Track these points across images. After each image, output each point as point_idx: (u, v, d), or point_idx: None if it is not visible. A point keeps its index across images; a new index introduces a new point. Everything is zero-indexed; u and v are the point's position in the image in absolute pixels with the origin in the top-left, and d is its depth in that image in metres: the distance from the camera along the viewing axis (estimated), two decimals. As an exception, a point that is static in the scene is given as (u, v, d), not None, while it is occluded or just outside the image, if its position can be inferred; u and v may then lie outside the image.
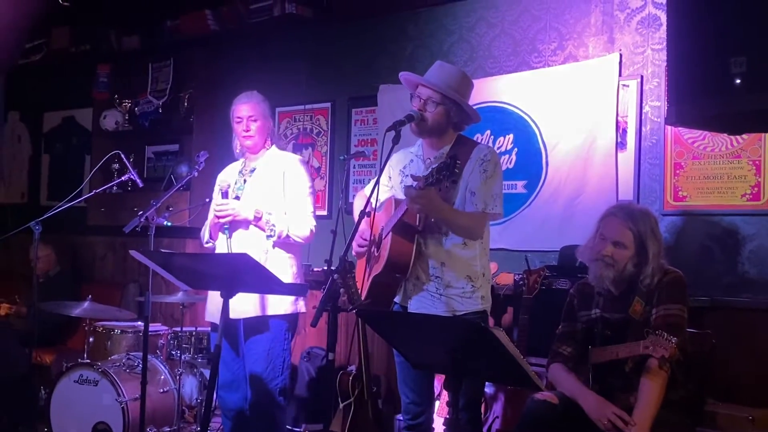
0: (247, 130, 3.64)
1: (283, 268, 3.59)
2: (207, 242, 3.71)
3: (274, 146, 3.78)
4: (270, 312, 3.52)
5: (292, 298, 3.55)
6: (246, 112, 3.65)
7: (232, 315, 3.41)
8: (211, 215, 3.75)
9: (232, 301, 3.36)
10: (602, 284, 3.08)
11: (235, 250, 3.51)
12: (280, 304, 3.54)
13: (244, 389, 3.63)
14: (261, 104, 3.70)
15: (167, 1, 5.85)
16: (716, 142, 3.84)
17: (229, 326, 3.44)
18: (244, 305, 3.46)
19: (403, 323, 2.76)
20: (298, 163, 3.73)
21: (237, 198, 3.60)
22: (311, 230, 3.62)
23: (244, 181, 3.67)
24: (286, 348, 3.62)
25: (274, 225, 3.53)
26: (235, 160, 3.84)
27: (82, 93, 6.57)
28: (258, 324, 3.53)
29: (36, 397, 4.77)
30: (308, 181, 3.70)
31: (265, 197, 3.60)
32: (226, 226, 3.55)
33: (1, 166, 6.09)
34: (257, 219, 3.53)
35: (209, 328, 4.05)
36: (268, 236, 3.54)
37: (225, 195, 3.57)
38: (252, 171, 3.69)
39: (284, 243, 3.60)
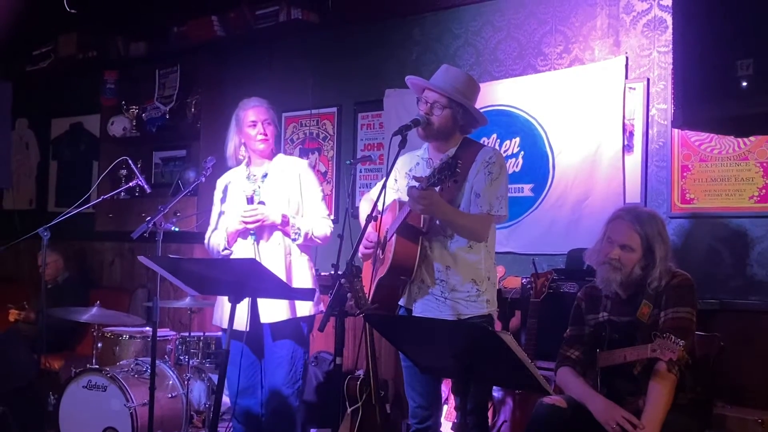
0: (264, 134, 3.65)
1: (304, 270, 3.64)
2: (224, 250, 3.63)
3: (280, 153, 3.82)
4: (298, 314, 3.55)
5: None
6: (261, 115, 3.66)
7: (263, 320, 3.45)
8: (214, 223, 3.74)
9: (262, 305, 3.39)
10: (610, 287, 3.07)
11: (263, 255, 3.52)
12: (305, 306, 3.57)
13: (260, 394, 3.64)
14: (271, 109, 3.73)
15: (174, 7, 5.87)
16: (723, 144, 3.83)
17: (253, 331, 3.46)
18: (274, 309, 3.49)
19: (410, 328, 2.76)
20: (309, 168, 3.80)
21: (261, 203, 3.60)
22: (330, 230, 3.67)
23: (258, 186, 3.66)
24: (307, 350, 3.65)
25: (299, 228, 3.56)
26: (229, 167, 3.82)
27: (90, 99, 6.60)
28: (284, 327, 3.55)
29: (45, 402, 4.78)
30: (320, 184, 3.78)
31: (285, 201, 3.62)
32: (252, 232, 3.56)
33: (9, 173, 6.13)
34: (284, 223, 3.54)
35: (219, 333, 4.05)
36: (294, 239, 3.57)
37: (251, 201, 3.56)
38: (264, 176, 3.69)
39: (305, 245, 3.64)
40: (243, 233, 3.58)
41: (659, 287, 2.99)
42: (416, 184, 2.83)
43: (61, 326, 5.31)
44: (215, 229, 3.73)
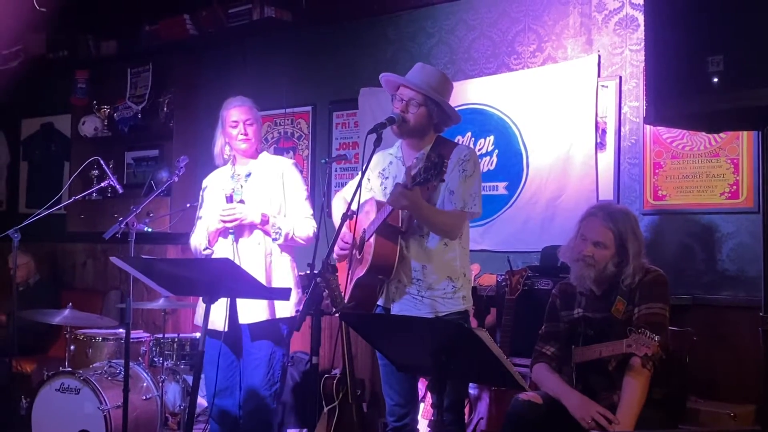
0: (246, 134, 3.63)
1: (285, 271, 3.62)
2: (205, 249, 3.61)
3: (264, 151, 3.79)
4: (278, 315, 3.53)
5: (294, 299, 3.55)
6: (243, 115, 3.64)
7: (242, 320, 3.44)
8: (201, 222, 3.71)
9: (241, 306, 3.34)
10: (584, 284, 3.09)
11: (242, 254, 3.50)
12: (286, 307, 3.54)
13: (238, 395, 3.61)
14: (254, 108, 3.71)
15: (145, 5, 5.82)
16: (695, 141, 3.87)
17: (232, 331, 3.44)
18: (254, 309, 3.47)
19: (386, 326, 2.75)
20: (294, 167, 3.76)
21: (241, 202, 3.58)
22: (314, 231, 3.63)
23: (241, 186, 3.64)
24: (286, 352, 3.63)
25: (280, 227, 3.54)
26: (216, 166, 3.81)
27: (61, 99, 6.52)
28: (264, 328, 3.52)
29: (17, 406, 4.71)
30: (305, 184, 3.75)
31: (266, 200, 3.59)
32: (231, 231, 3.53)
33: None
34: (264, 222, 3.52)
35: (196, 334, 4.01)
36: (274, 239, 3.55)
37: (230, 199, 3.54)
38: (248, 175, 3.66)
39: (286, 245, 3.61)
40: (223, 232, 3.56)
41: (633, 283, 3.02)
42: (401, 182, 2.83)
43: (33, 329, 5.24)
44: (196, 228, 3.71)
